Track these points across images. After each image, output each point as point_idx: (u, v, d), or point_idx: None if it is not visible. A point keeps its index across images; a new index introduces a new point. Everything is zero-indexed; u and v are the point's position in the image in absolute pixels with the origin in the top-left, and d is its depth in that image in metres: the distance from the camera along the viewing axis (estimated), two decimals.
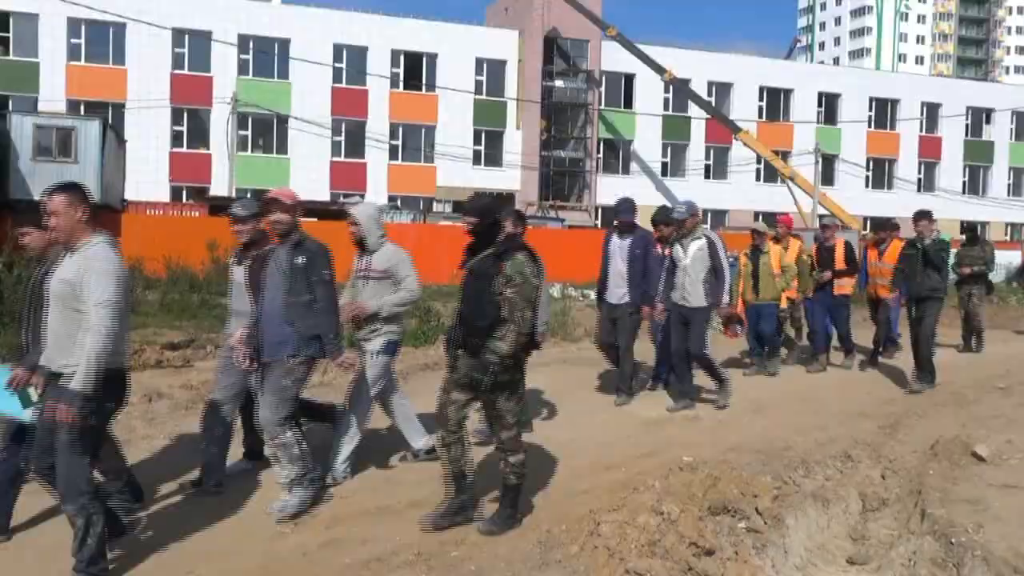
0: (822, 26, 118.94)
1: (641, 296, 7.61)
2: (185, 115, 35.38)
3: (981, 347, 11.87)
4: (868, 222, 38.42)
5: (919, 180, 46.06)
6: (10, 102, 31.57)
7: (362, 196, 34.29)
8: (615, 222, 7.94)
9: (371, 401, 5.51)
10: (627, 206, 7.87)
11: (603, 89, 40.94)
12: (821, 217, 30.21)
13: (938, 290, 8.67)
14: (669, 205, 8.69)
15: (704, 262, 7.34)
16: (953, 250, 12.92)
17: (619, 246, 7.74)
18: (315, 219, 19.69)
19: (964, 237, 12.82)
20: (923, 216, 8.83)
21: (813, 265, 10.11)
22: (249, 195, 33.54)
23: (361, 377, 5.45)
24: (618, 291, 7.70)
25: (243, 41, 35.61)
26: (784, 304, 9.83)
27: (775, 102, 43.74)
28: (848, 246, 10.22)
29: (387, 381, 5.63)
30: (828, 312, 10.09)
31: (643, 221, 7.61)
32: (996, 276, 19.71)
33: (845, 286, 10.16)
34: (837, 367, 10.11)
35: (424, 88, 38.35)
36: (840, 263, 9.99)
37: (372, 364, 5.44)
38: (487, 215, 4.54)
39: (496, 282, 4.39)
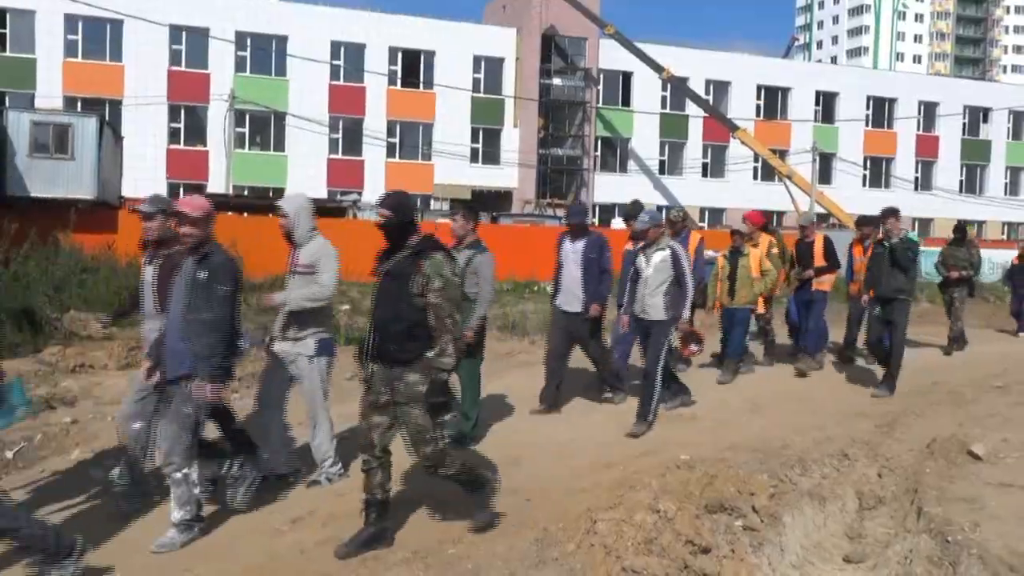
0: (820, 25, 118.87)
1: (593, 296, 7.39)
2: (182, 112, 35.27)
3: (951, 350, 11.56)
4: None
5: (916, 179, 46.11)
6: (7, 98, 31.50)
7: (359, 194, 34.21)
8: (566, 225, 7.77)
9: (327, 399, 5.37)
10: (577, 209, 7.86)
11: (601, 87, 40.89)
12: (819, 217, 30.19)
13: (904, 291, 8.33)
14: (640, 201, 8.67)
15: (667, 273, 7.05)
16: (938, 248, 12.82)
17: (572, 250, 7.50)
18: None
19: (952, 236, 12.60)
20: (890, 213, 8.47)
21: (793, 263, 9.98)
22: (246, 192, 33.68)
23: (304, 386, 5.31)
24: (574, 299, 7.44)
25: (241, 38, 35.51)
26: (762, 309, 9.60)
27: (773, 101, 43.71)
28: (828, 241, 9.99)
29: (277, 398, 5.41)
30: (804, 306, 9.90)
31: None
32: (992, 275, 19.74)
33: (824, 282, 9.92)
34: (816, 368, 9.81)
35: (422, 86, 38.28)
36: (819, 259, 9.79)
37: (312, 368, 5.26)
38: (404, 213, 4.33)
39: (414, 282, 4.21)
